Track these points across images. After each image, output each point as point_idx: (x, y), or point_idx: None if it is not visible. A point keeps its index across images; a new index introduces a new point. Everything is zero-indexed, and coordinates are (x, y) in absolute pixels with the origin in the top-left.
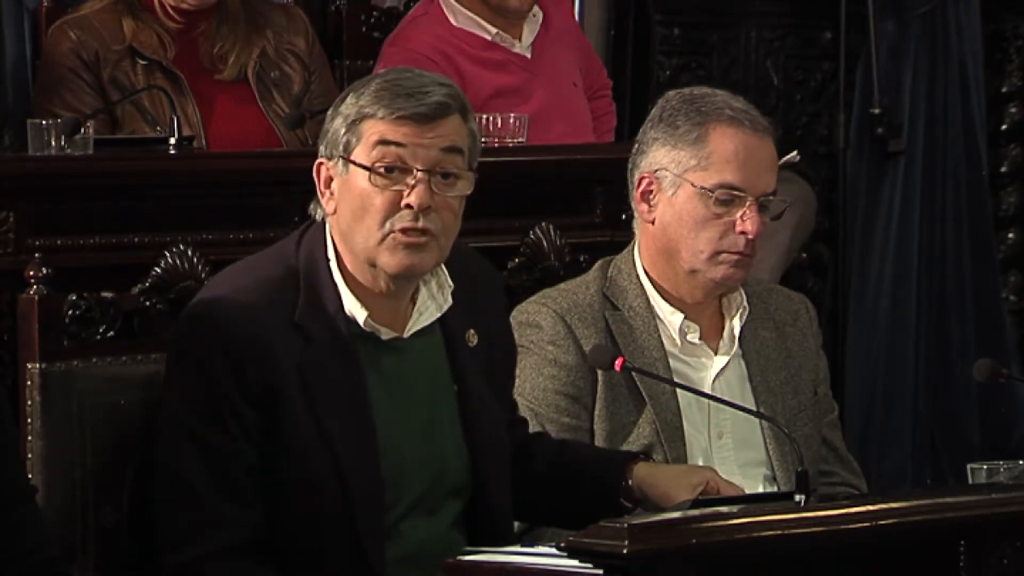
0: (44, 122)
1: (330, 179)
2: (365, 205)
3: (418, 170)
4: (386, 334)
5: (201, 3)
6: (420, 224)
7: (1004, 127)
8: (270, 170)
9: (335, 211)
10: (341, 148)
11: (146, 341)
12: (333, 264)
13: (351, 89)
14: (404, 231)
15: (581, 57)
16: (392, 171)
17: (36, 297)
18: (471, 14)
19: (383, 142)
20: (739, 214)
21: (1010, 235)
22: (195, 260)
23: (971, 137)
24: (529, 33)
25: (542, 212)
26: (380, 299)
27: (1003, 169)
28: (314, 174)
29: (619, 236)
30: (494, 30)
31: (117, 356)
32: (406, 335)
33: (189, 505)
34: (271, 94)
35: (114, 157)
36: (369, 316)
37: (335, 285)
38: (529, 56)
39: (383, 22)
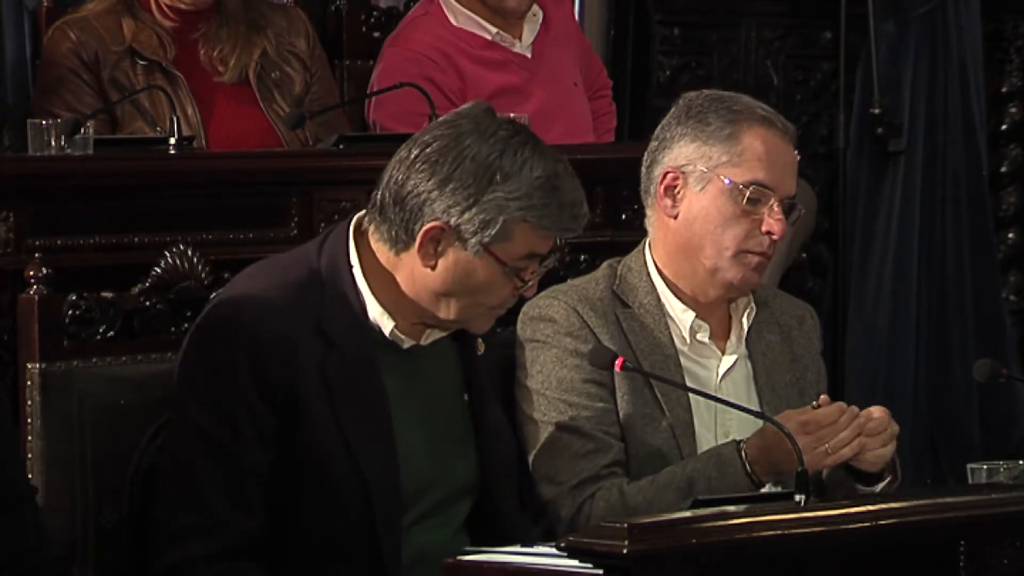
0: (44, 122)
1: (439, 241)
2: (488, 289)
3: (534, 273)
4: (407, 343)
5: (198, 3)
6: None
7: (1004, 127)
8: (270, 170)
9: (433, 268)
10: (487, 239)
11: (146, 341)
12: (357, 271)
13: (498, 177)
14: (497, 307)
15: (581, 57)
16: (526, 271)
17: (36, 297)
18: (471, 14)
19: (533, 255)
20: (765, 214)
21: (1010, 235)
22: (195, 260)
23: (971, 137)
24: (529, 32)
25: None
26: (404, 310)
27: (1003, 169)
28: (422, 231)
29: (619, 236)
30: (494, 29)
31: (117, 356)
32: (424, 343)
33: (191, 505)
34: (272, 95)
35: (114, 157)
36: (395, 327)
37: (359, 293)
38: (529, 56)
39: (383, 22)
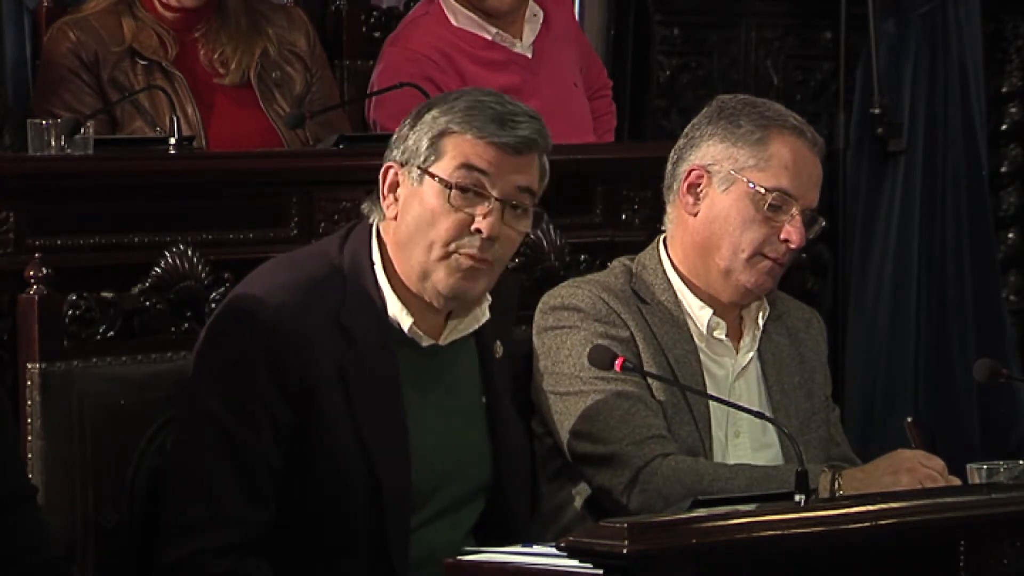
0: (44, 122)
1: (396, 185)
2: (433, 220)
3: (495, 199)
4: (425, 341)
5: (198, 1)
6: (486, 254)
7: (1004, 127)
8: (270, 170)
9: (396, 217)
10: (421, 159)
11: (146, 341)
12: (379, 268)
13: (436, 102)
14: (469, 256)
15: (581, 57)
16: (468, 192)
17: (36, 297)
18: (471, 14)
19: (467, 166)
20: (785, 221)
21: (1010, 235)
22: (195, 260)
23: (971, 137)
24: (530, 33)
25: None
26: (423, 307)
27: (1003, 169)
28: (380, 176)
29: (619, 236)
30: (494, 30)
31: (117, 356)
32: (443, 343)
33: (202, 498)
34: (272, 94)
35: (114, 157)
36: (414, 323)
37: (380, 289)
38: (530, 56)
39: (383, 22)
